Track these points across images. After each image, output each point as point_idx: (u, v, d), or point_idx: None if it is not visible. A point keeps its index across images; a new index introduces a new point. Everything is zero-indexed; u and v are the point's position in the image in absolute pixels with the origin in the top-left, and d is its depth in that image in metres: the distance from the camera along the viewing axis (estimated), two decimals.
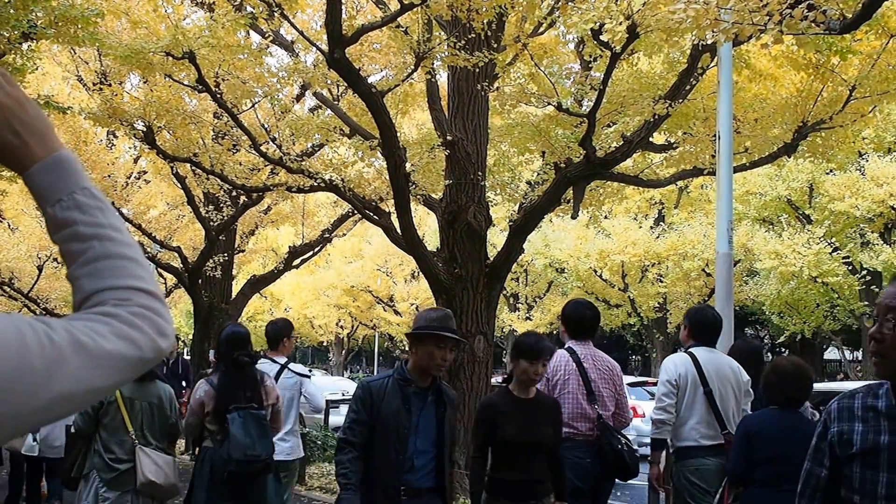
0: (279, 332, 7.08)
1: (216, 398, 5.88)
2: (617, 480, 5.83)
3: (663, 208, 30.74)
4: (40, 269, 25.90)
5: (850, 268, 23.67)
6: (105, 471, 5.60)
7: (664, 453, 5.91)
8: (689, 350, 5.76)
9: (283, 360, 7.02)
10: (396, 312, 37.23)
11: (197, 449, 6.19)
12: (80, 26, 9.05)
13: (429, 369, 4.46)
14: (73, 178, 1.22)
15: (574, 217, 12.07)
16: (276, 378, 6.70)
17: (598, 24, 7.80)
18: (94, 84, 14.29)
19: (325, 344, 48.23)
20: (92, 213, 1.21)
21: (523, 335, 5.18)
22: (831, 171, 23.08)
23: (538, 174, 12.25)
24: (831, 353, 37.75)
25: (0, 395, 1.04)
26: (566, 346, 5.75)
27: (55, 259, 26.26)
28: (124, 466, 5.56)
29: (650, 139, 10.94)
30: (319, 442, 13.47)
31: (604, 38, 8.10)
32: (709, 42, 8.09)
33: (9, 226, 26.92)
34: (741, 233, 23.73)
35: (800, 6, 5.79)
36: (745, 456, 4.80)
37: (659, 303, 28.36)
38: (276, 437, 6.33)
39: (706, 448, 5.58)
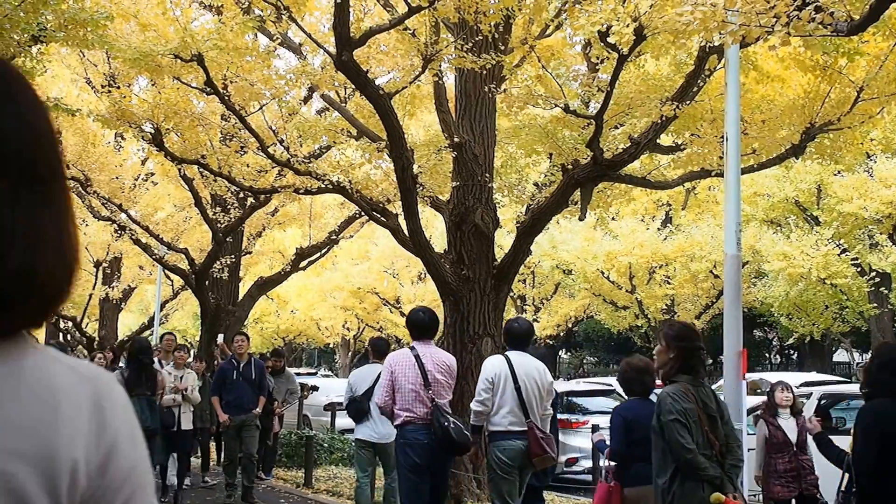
0: (387, 347, 9.40)
1: (124, 387, 8.96)
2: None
3: (671, 210, 30.67)
4: None
5: (858, 269, 23.60)
6: None
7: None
8: (506, 353, 6.98)
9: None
10: (403, 314, 37.20)
11: None
12: (89, 29, 9.08)
13: None
14: None
15: (582, 219, 12.05)
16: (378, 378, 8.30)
17: (605, 26, 7.81)
18: (103, 86, 14.34)
19: (331, 346, 48.25)
20: None
21: None
22: (839, 172, 23.01)
23: (545, 176, 12.27)
24: (840, 356, 37.63)
25: None
26: (410, 345, 7.04)
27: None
28: None
29: (657, 141, 10.94)
30: (326, 445, 13.47)
31: (611, 40, 8.09)
32: (716, 44, 8.09)
33: None
34: (749, 234, 23.67)
35: (807, 8, 5.79)
36: (626, 438, 5.75)
37: (667, 305, 28.28)
38: (382, 423, 8.17)
39: (513, 432, 6.74)
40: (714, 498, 4.63)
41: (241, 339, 11.42)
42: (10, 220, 0.99)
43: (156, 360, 11.09)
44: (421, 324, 7.02)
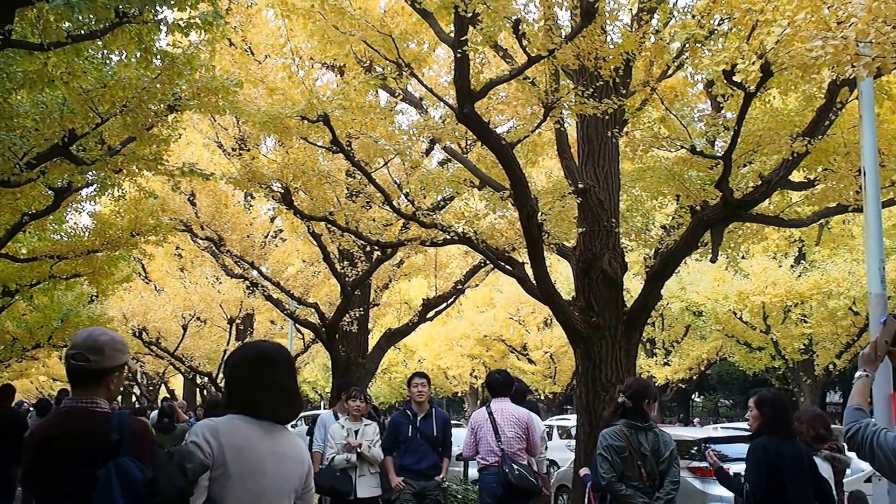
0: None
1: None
2: None
3: (804, 246, 29.54)
4: (185, 328, 26.92)
5: None
6: None
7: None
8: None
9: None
10: (530, 361, 36.93)
11: None
12: (220, 96, 9.48)
13: None
14: None
15: (713, 261, 11.74)
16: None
17: (729, 64, 7.63)
18: (234, 149, 14.93)
19: (459, 394, 48.27)
20: None
21: None
22: None
23: (673, 218, 12.01)
24: None
25: None
26: (488, 403, 8.48)
27: (198, 318, 27.32)
28: None
29: (789, 177, 10.58)
30: (459, 496, 13.38)
31: (737, 78, 7.91)
32: (848, 76, 7.79)
33: (155, 287, 28.22)
34: (890, 268, 22.52)
35: None
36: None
37: (804, 344, 27.14)
38: None
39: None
40: None
41: (420, 382, 8.85)
42: (296, 385, 3.69)
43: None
44: (497, 384, 8.46)
